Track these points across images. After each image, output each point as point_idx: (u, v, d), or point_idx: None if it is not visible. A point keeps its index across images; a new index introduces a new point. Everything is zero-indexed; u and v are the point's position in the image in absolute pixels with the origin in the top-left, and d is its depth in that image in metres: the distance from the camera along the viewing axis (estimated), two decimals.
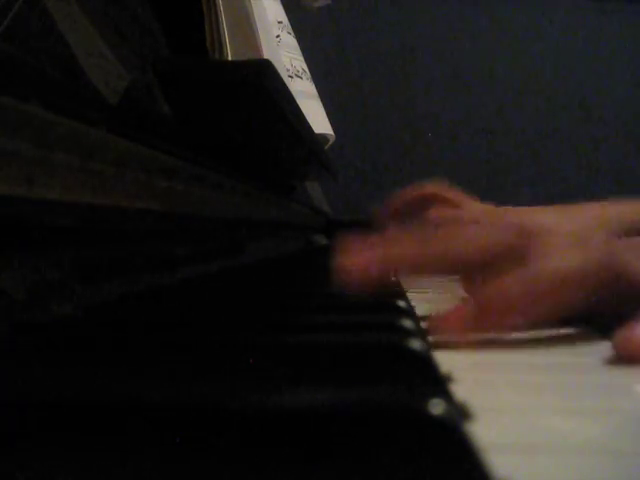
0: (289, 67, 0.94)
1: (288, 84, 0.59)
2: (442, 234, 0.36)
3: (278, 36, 0.93)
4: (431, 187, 0.53)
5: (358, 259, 0.34)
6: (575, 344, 0.30)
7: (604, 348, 0.28)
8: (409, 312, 0.33)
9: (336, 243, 0.35)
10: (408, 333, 0.25)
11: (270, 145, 0.69)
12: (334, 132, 1.06)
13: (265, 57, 0.57)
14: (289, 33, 0.98)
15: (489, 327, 0.31)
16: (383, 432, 0.14)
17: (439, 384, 0.19)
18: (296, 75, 0.96)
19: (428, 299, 0.45)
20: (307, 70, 1.02)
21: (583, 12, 1.94)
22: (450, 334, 0.31)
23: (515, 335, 0.32)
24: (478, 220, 0.42)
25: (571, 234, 0.34)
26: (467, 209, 0.51)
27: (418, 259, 0.35)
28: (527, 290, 0.31)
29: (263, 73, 0.46)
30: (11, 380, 0.17)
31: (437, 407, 0.14)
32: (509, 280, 0.32)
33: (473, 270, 0.36)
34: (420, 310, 0.37)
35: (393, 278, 0.38)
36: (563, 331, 0.33)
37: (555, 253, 0.32)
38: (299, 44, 1.01)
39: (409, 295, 0.46)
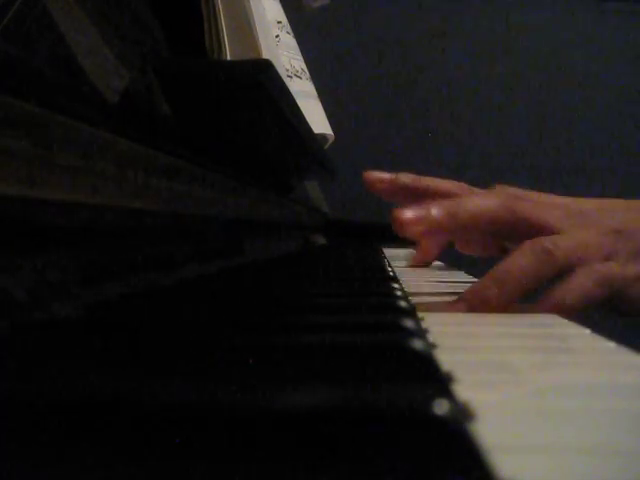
0: (288, 67, 0.94)
1: (287, 84, 0.59)
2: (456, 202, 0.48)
3: (277, 36, 0.93)
4: (441, 183, 0.56)
5: (411, 216, 0.45)
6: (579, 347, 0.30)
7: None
8: (410, 312, 0.33)
9: (336, 243, 0.39)
10: (410, 333, 0.25)
11: (269, 145, 0.69)
12: (334, 132, 1.06)
13: (264, 57, 0.57)
14: (288, 33, 0.98)
15: (432, 230, 0.45)
16: (386, 432, 0.14)
17: (442, 384, 0.19)
18: (295, 75, 0.96)
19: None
20: (306, 70, 1.02)
21: (583, 12, 1.94)
22: (410, 230, 0.44)
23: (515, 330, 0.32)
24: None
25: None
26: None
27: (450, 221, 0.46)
28: (449, 213, 0.45)
29: (263, 73, 0.46)
30: (11, 380, 0.17)
31: (441, 407, 0.14)
32: (435, 204, 0.45)
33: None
34: None
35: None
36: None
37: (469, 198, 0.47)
38: (299, 44, 1.01)
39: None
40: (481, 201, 0.48)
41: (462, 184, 0.57)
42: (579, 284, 0.42)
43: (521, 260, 0.43)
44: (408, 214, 0.46)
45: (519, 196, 0.51)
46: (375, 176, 0.57)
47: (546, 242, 0.43)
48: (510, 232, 0.47)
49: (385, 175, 0.56)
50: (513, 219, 0.46)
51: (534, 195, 0.54)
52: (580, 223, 0.47)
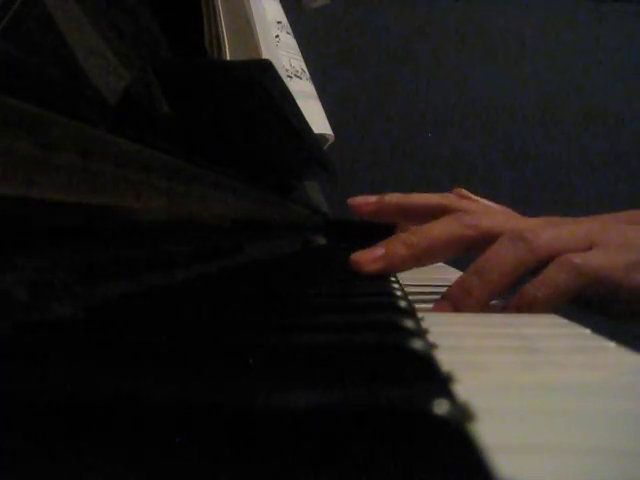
0: (288, 67, 0.94)
1: (287, 84, 0.59)
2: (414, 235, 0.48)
3: (277, 36, 0.93)
4: (441, 198, 0.56)
5: (366, 256, 0.48)
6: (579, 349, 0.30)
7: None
8: (410, 312, 0.33)
9: (335, 243, 0.40)
10: (410, 333, 0.25)
11: (269, 145, 0.69)
12: (333, 132, 1.07)
13: (264, 57, 0.57)
14: (288, 33, 0.98)
15: (394, 264, 0.47)
16: (386, 432, 0.14)
17: (442, 384, 0.19)
18: (295, 75, 0.96)
19: None
20: (306, 70, 1.02)
21: (582, 12, 1.94)
22: (368, 269, 0.47)
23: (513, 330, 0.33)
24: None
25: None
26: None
27: (406, 257, 0.48)
28: (407, 246, 0.47)
29: (263, 73, 0.46)
30: (11, 380, 0.17)
31: (441, 407, 0.14)
32: (405, 234, 0.48)
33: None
34: None
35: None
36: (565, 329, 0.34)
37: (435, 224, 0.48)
38: (298, 44, 1.01)
39: None
40: (441, 227, 0.47)
41: (448, 195, 0.57)
42: (549, 276, 0.41)
43: (500, 249, 0.43)
44: (363, 256, 0.47)
45: (481, 211, 0.52)
46: (360, 200, 0.57)
47: (526, 231, 0.43)
48: (483, 245, 0.45)
49: (370, 198, 0.56)
50: (481, 234, 0.46)
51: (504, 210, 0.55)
52: (556, 225, 0.45)
